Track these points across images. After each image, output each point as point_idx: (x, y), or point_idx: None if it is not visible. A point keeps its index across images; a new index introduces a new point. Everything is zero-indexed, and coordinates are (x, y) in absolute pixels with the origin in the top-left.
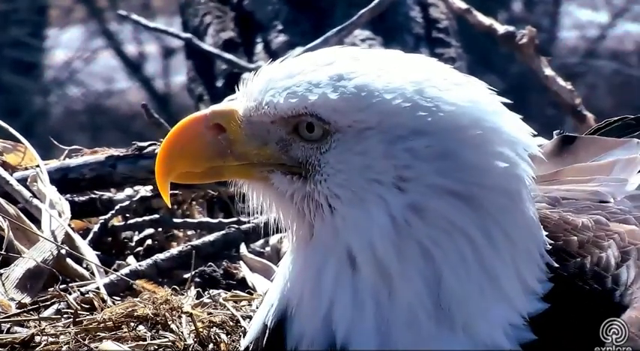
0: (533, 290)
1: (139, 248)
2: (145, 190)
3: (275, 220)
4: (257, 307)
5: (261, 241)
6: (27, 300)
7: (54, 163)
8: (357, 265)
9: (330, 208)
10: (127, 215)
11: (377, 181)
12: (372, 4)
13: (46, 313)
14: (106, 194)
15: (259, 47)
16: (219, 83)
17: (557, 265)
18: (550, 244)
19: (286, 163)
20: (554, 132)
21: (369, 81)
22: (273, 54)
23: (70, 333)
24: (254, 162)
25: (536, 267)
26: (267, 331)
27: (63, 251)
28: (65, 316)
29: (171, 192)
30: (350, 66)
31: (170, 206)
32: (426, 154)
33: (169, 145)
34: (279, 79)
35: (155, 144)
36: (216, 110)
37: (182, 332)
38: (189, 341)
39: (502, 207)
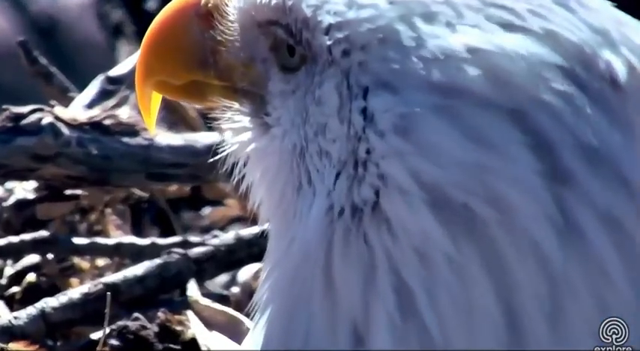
0: None
1: (14, 289)
2: (24, 190)
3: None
4: None
5: (223, 277)
6: None
7: None
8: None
9: (293, 187)
10: None
11: (327, 156)
12: None
13: None
14: None
15: None
16: (151, 5)
17: None
18: None
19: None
20: None
21: None
22: None
23: None
24: (236, 86)
25: None
26: None
27: None
28: None
29: (71, 193)
30: None
31: (153, 132)
32: (385, 122)
33: (151, 34)
34: None
35: (41, 110)
36: None
37: None
38: None
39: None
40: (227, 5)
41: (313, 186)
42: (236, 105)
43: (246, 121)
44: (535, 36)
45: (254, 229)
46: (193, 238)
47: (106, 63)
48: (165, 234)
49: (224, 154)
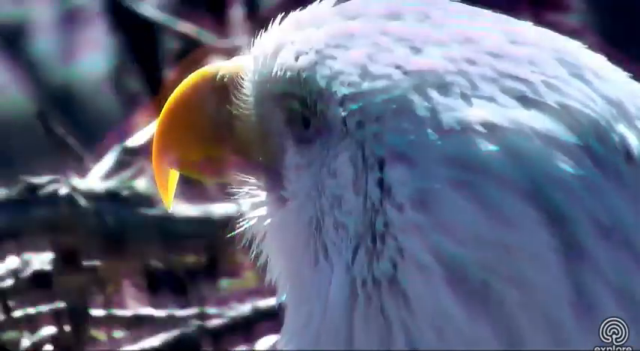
0: None
1: None
2: (40, 261)
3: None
4: None
5: (242, 349)
6: None
7: None
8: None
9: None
10: (9, 303)
11: (344, 227)
12: None
13: None
14: None
15: (237, 12)
16: (168, 74)
17: None
18: None
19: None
20: None
21: (366, 58)
22: (260, 23)
23: None
24: (253, 161)
25: None
26: None
27: None
28: None
29: (88, 263)
30: (369, 27)
31: (170, 208)
32: (402, 195)
33: (168, 113)
34: (286, 30)
35: (58, 181)
36: (227, 65)
37: None
38: None
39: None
40: (242, 79)
41: (330, 260)
42: (253, 179)
43: (263, 195)
44: (550, 111)
45: (271, 301)
46: (210, 310)
47: (123, 134)
48: (182, 305)
49: (241, 229)
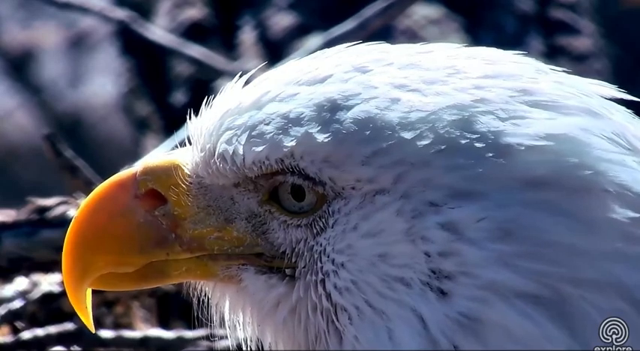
0: None
1: None
2: (48, 283)
3: (259, 341)
4: None
5: None
6: None
7: None
8: None
9: (336, 327)
10: (18, 324)
11: (401, 281)
12: None
13: None
14: None
15: (247, 35)
16: (179, 98)
17: None
18: None
19: (265, 253)
20: None
21: (376, 110)
22: (270, 47)
23: None
24: (214, 252)
25: None
26: None
27: None
28: None
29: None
30: (353, 82)
31: (93, 330)
32: (479, 231)
33: (80, 230)
34: (239, 112)
35: (66, 203)
36: (149, 166)
37: None
38: None
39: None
40: (174, 184)
41: (382, 313)
42: (219, 271)
43: (249, 278)
44: (578, 111)
45: None
46: (219, 331)
47: (131, 157)
48: (191, 326)
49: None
